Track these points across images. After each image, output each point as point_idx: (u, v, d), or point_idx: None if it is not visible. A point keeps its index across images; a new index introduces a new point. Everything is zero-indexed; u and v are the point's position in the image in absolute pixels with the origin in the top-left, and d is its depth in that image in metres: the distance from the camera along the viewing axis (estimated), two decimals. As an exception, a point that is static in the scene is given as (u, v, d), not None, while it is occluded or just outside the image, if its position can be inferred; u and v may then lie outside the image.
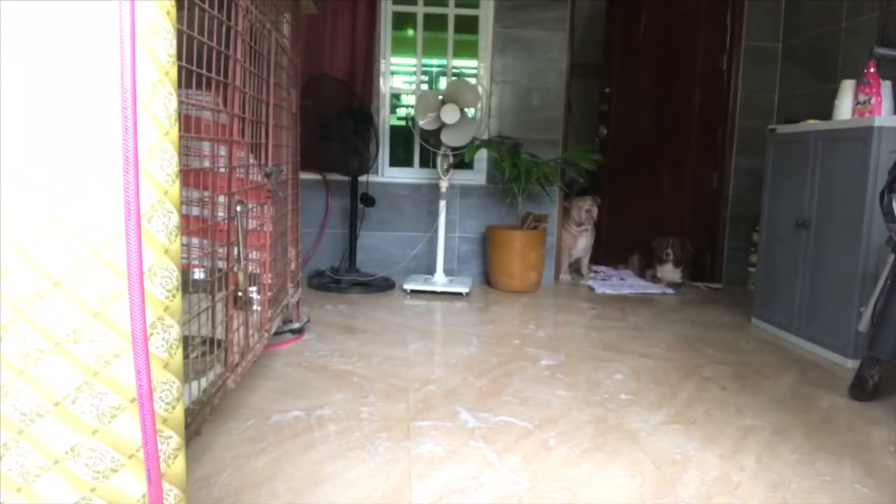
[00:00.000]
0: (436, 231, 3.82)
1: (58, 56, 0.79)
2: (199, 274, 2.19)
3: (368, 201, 3.85)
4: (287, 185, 2.47)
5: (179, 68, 1.05)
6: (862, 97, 2.61)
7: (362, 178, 3.85)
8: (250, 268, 1.91)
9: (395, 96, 4.27)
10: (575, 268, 4.38)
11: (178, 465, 0.88)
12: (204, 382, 1.49)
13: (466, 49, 4.10)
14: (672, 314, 3.38)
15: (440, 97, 3.56)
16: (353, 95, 3.72)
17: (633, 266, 4.46)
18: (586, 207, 4.14)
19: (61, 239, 0.80)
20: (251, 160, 1.95)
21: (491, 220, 4.06)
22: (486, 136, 3.90)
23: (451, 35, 4.03)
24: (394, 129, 4.13)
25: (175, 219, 0.85)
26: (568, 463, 1.62)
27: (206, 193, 1.57)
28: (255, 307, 1.91)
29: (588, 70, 5.14)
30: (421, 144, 3.90)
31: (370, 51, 3.89)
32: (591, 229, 4.22)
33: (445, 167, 3.67)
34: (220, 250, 1.67)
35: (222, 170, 1.62)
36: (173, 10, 0.85)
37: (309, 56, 3.79)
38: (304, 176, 3.68)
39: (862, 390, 2.13)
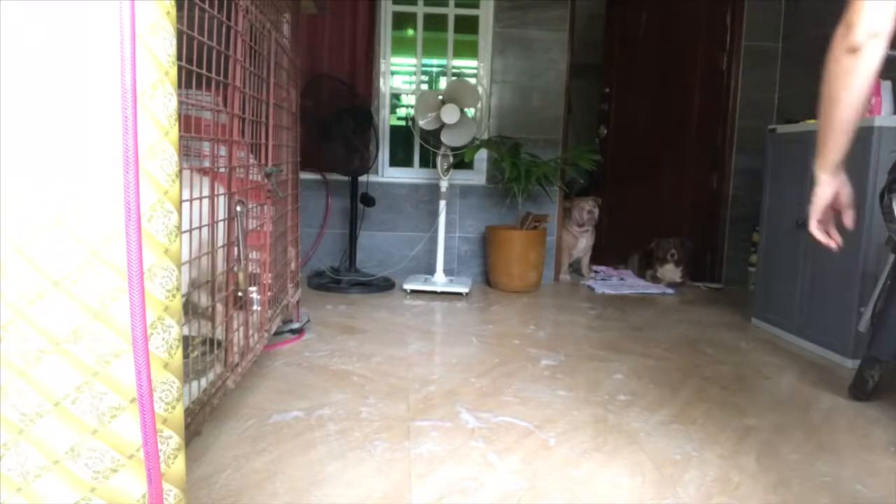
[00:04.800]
0: (436, 231, 3.82)
1: (58, 56, 0.79)
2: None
3: (368, 201, 3.85)
4: (287, 185, 2.47)
5: (179, 68, 1.05)
6: (862, 97, 2.60)
7: (362, 178, 3.85)
8: (250, 268, 1.91)
9: (395, 96, 4.26)
10: (575, 268, 4.38)
11: (178, 465, 0.88)
12: (204, 382, 1.49)
13: (466, 49, 4.10)
14: (672, 314, 3.38)
15: (440, 97, 3.55)
16: (353, 95, 3.72)
17: (632, 266, 4.46)
18: (588, 208, 4.14)
19: (61, 239, 0.80)
20: (251, 160, 1.95)
21: (491, 220, 4.06)
22: (486, 136, 3.90)
23: (451, 35, 4.03)
24: (394, 129, 4.13)
25: (175, 219, 0.85)
26: (568, 463, 1.62)
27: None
28: (255, 307, 1.91)
29: (588, 70, 5.14)
30: (421, 144, 3.90)
31: (370, 51, 3.89)
32: (591, 230, 4.23)
33: (445, 167, 3.67)
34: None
35: (222, 170, 1.62)
36: (173, 10, 0.85)
37: (309, 56, 3.79)
38: (304, 176, 3.68)
39: (862, 390, 2.13)
